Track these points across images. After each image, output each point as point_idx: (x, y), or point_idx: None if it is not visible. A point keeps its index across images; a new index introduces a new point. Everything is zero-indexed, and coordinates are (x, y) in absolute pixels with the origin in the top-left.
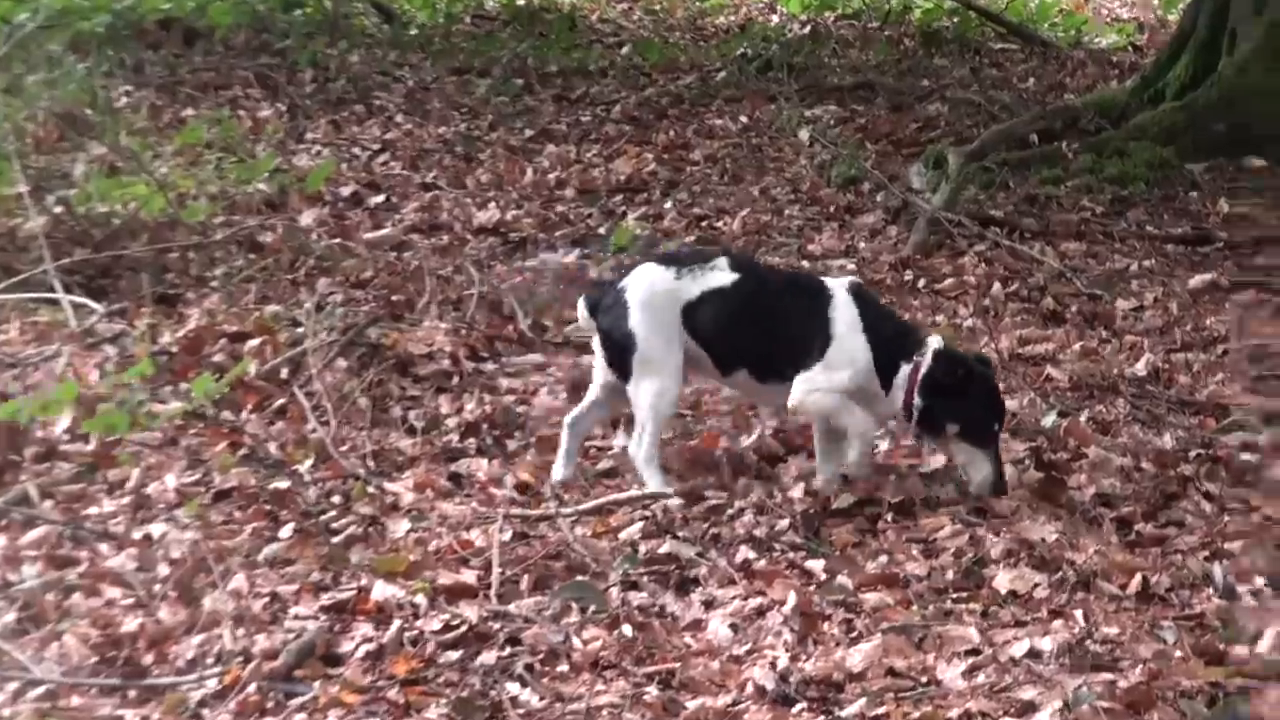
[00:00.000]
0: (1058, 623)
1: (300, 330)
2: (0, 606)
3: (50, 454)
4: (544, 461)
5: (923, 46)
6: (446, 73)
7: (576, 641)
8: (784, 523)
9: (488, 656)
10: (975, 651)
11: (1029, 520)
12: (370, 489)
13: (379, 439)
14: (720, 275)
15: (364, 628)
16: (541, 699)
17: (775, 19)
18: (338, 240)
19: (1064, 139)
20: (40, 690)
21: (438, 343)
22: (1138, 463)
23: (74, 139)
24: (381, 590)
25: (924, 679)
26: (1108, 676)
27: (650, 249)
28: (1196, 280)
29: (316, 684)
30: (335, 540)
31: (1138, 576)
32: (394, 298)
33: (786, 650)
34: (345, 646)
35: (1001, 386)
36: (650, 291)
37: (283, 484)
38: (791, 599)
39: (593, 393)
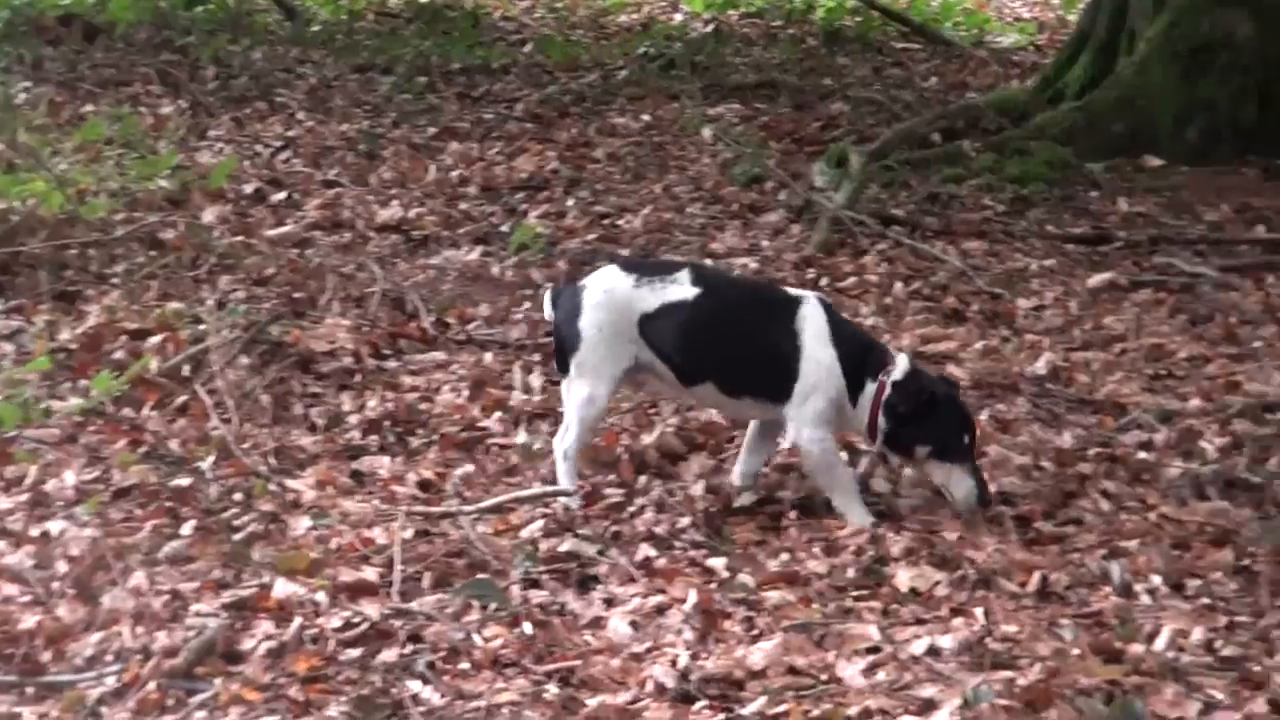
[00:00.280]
0: (958, 621)
1: (202, 327)
2: None
3: None
4: (446, 459)
5: (825, 45)
6: (349, 70)
7: (477, 639)
8: (685, 520)
9: (389, 654)
10: (875, 649)
11: (929, 519)
12: (272, 486)
13: (281, 436)
14: (680, 289)
15: (265, 625)
16: (442, 696)
17: (678, 17)
18: (240, 237)
19: (965, 138)
20: None
21: (340, 340)
22: (1037, 461)
23: None
24: (283, 588)
25: (824, 677)
26: (1007, 674)
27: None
28: (1096, 279)
29: (217, 681)
30: (236, 538)
31: (1037, 574)
32: (296, 295)
33: (687, 648)
34: (246, 644)
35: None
36: (606, 295)
37: (184, 481)
38: (692, 597)
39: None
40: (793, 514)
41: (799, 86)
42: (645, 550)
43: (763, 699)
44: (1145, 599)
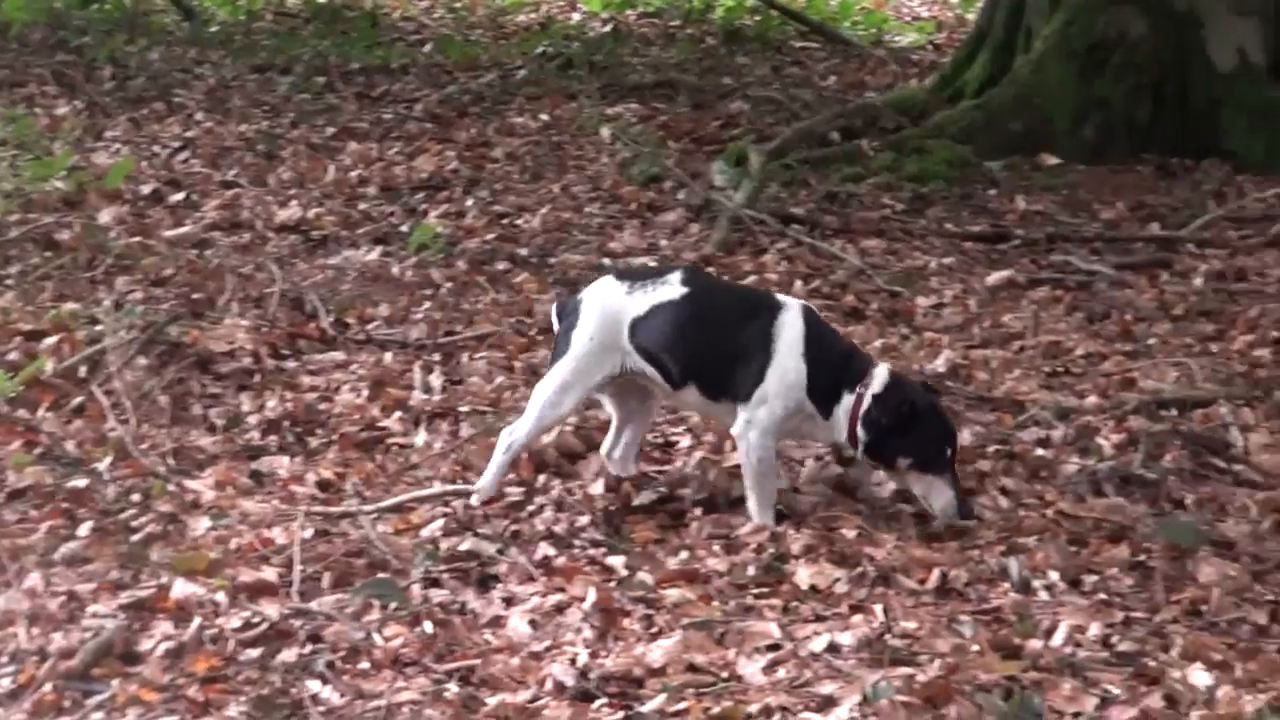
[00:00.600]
0: (857, 618)
1: (99, 328)
2: None
3: None
4: (345, 459)
5: (724, 45)
6: (248, 70)
7: (378, 638)
8: (584, 519)
9: (289, 654)
10: (775, 646)
11: (829, 516)
12: (170, 487)
13: (179, 437)
14: (669, 289)
15: (163, 626)
16: (342, 696)
17: (576, 17)
18: (137, 238)
19: (864, 137)
20: None
21: (239, 340)
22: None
23: None
24: (181, 588)
25: (724, 674)
26: (906, 671)
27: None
28: (994, 277)
29: (115, 682)
30: (134, 538)
31: (936, 571)
32: (194, 295)
33: (586, 646)
34: (144, 645)
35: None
36: (601, 306)
37: (80, 482)
38: (591, 595)
39: (614, 413)
40: (694, 512)
41: (698, 86)
42: (545, 549)
43: (662, 697)
44: (1043, 595)
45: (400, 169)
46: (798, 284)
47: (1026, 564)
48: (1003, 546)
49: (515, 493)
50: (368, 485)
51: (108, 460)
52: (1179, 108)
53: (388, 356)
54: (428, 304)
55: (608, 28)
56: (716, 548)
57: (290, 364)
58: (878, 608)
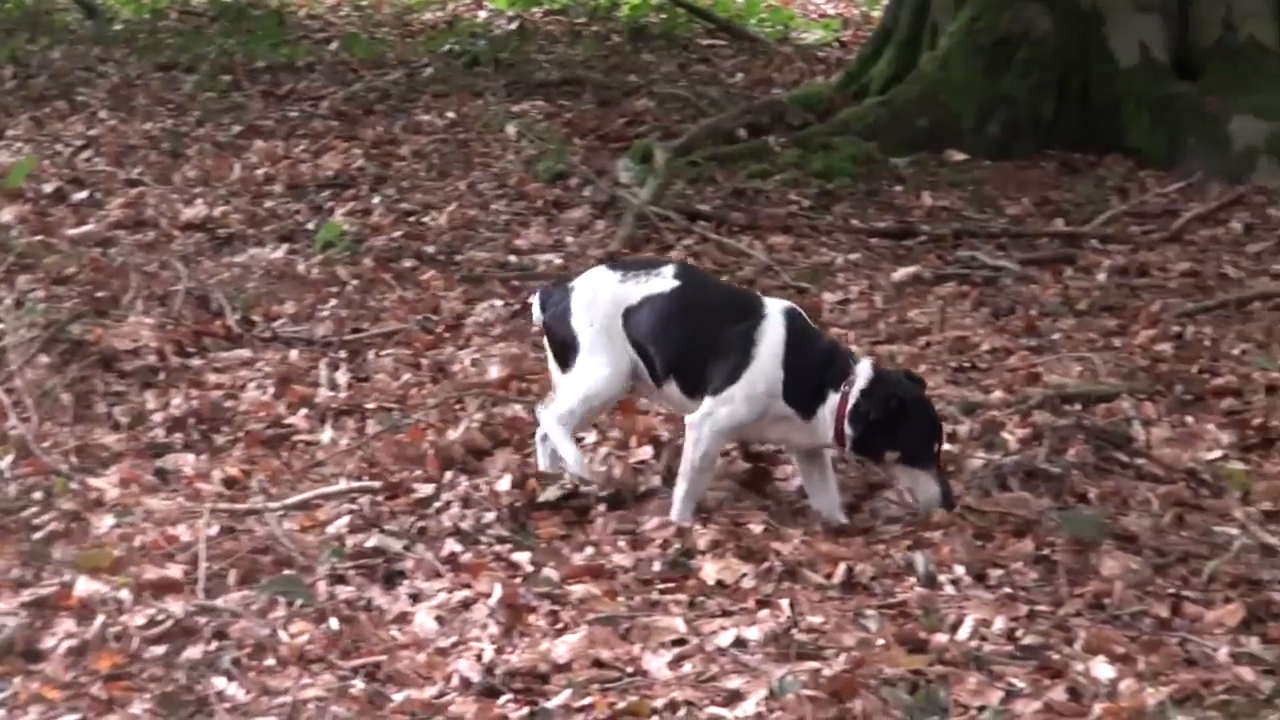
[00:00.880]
0: (764, 612)
1: (0, 327)
2: None
3: None
4: (251, 456)
5: (630, 42)
6: (152, 68)
7: (283, 635)
8: (490, 515)
9: (194, 651)
10: (681, 641)
11: (736, 511)
12: (73, 485)
13: (82, 435)
14: (661, 282)
15: (66, 623)
16: (248, 693)
17: (482, 14)
18: (39, 236)
19: (771, 134)
20: None
21: (143, 338)
22: (843, 454)
23: None
24: (84, 586)
25: (630, 669)
26: (812, 665)
27: None
28: (901, 273)
29: (16, 680)
30: (36, 536)
31: (842, 566)
32: (98, 294)
33: (492, 642)
34: (47, 642)
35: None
36: (594, 293)
37: None
38: (497, 591)
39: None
40: (600, 508)
41: (604, 83)
42: (451, 545)
43: (568, 692)
44: (949, 589)
45: (306, 167)
46: None
47: (932, 558)
48: (909, 541)
49: (422, 489)
50: (274, 482)
51: (9, 458)
52: (1083, 104)
53: (294, 354)
54: (334, 301)
55: (514, 25)
56: (622, 543)
57: (196, 362)
58: (784, 602)
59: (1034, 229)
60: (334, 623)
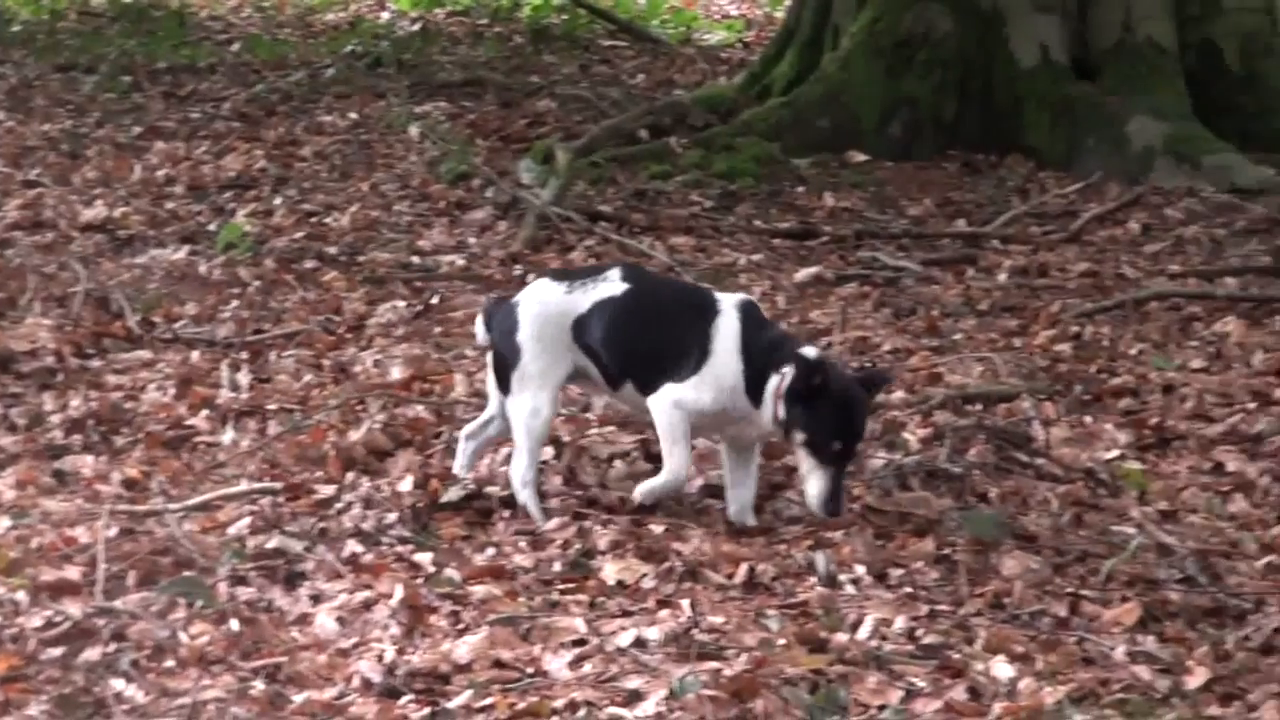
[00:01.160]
0: (664, 612)
1: None
2: None
3: None
4: (152, 457)
5: (532, 43)
6: (51, 69)
7: (183, 637)
8: (392, 516)
9: (92, 653)
10: (582, 642)
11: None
12: None
13: None
14: (610, 286)
15: None
16: (147, 694)
17: (385, 16)
18: None
19: (673, 135)
20: None
21: (41, 339)
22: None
23: None
24: None
25: (530, 670)
26: (713, 665)
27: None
28: (803, 273)
29: None
30: None
31: (744, 566)
32: None
33: (393, 643)
34: None
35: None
36: (541, 306)
37: None
38: (399, 592)
39: (490, 408)
40: (502, 509)
41: (506, 84)
42: (352, 546)
43: (468, 692)
44: (850, 589)
45: (208, 168)
46: None
47: (833, 558)
48: (810, 541)
49: (323, 490)
50: (174, 484)
51: None
52: (984, 105)
53: (195, 355)
54: (236, 302)
55: (416, 26)
56: (523, 544)
57: (95, 363)
58: (685, 603)
59: (935, 230)
60: (234, 624)
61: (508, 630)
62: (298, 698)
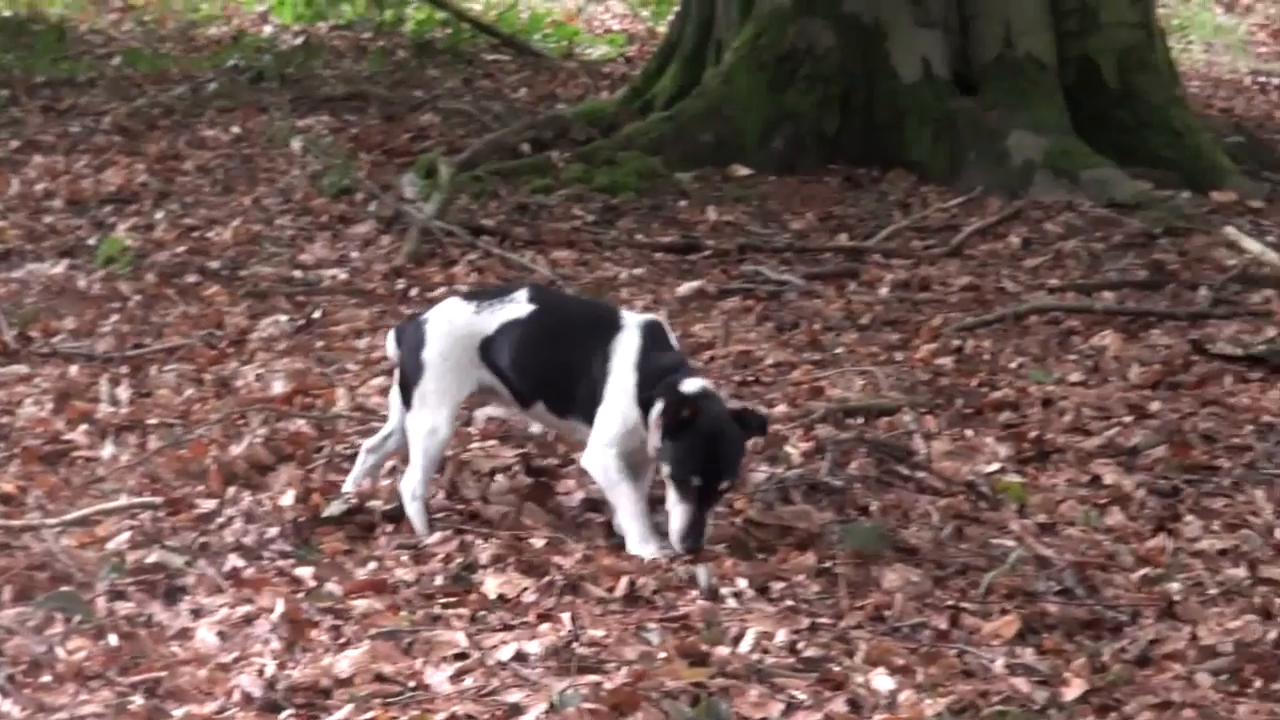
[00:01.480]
0: (545, 626)
1: None
2: None
3: None
4: (27, 472)
5: (416, 57)
6: None
7: (60, 652)
8: (273, 530)
9: None
10: (463, 655)
11: (518, 526)
12: None
13: None
14: (516, 307)
15: None
16: (23, 710)
17: (268, 29)
18: None
19: (555, 149)
20: None
21: None
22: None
23: None
24: None
25: (412, 684)
26: (593, 678)
27: None
28: (685, 287)
29: None
30: None
31: (624, 579)
32: None
33: (274, 657)
34: None
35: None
36: (449, 326)
37: None
38: (280, 606)
39: (391, 421)
40: (384, 524)
41: (389, 98)
42: (233, 560)
43: (349, 706)
44: (731, 602)
45: (88, 182)
46: None
47: (715, 571)
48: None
49: (204, 504)
50: (51, 499)
51: None
52: (866, 119)
53: (73, 369)
54: (116, 317)
55: (299, 40)
56: (405, 558)
57: None
58: (565, 616)
59: (817, 244)
60: (113, 639)
61: (389, 644)
62: (177, 713)
